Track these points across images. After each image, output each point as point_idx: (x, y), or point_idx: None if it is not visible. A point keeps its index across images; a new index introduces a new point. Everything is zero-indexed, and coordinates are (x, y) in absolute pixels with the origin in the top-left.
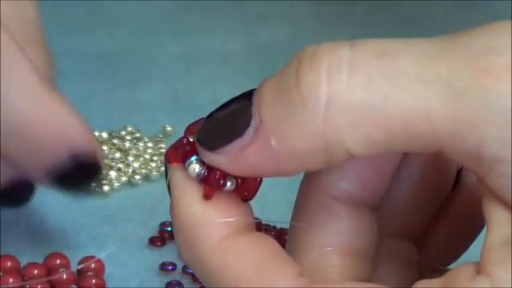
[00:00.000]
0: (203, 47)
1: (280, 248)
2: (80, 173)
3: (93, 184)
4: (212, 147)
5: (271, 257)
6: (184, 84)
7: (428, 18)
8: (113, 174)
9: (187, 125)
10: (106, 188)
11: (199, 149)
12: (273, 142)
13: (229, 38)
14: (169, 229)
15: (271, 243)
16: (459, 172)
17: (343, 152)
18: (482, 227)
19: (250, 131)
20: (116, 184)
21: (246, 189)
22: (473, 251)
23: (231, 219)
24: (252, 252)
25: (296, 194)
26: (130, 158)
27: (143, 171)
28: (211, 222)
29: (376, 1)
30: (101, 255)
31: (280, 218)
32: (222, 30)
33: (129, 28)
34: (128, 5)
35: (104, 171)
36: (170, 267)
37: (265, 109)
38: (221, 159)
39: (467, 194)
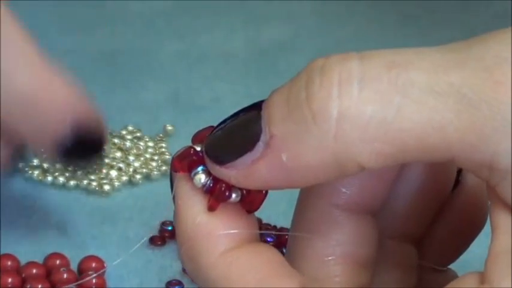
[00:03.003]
0: (204, 46)
1: (284, 260)
2: (83, 145)
3: (97, 158)
4: (221, 161)
5: (274, 269)
6: (185, 84)
7: (429, 17)
8: (113, 173)
9: (188, 124)
10: (107, 187)
11: (208, 162)
12: (284, 158)
13: (230, 37)
14: (169, 228)
15: (274, 255)
16: (459, 172)
17: (356, 165)
18: (481, 228)
19: (260, 145)
20: (116, 183)
21: (251, 201)
22: (472, 251)
23: (234, 231)
24: (254, 265)
25: (296, 193)
26: (131, 158)
27: (144, 170)
28: (214, 234)
29: (377, 0)
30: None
31: (280, 217)
32: (223, 29)
33: (130, 27)
34: (129, 4)
35: (106, 145)
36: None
37: (275, 124)
38: (231, 173)
39: (467, 194)
